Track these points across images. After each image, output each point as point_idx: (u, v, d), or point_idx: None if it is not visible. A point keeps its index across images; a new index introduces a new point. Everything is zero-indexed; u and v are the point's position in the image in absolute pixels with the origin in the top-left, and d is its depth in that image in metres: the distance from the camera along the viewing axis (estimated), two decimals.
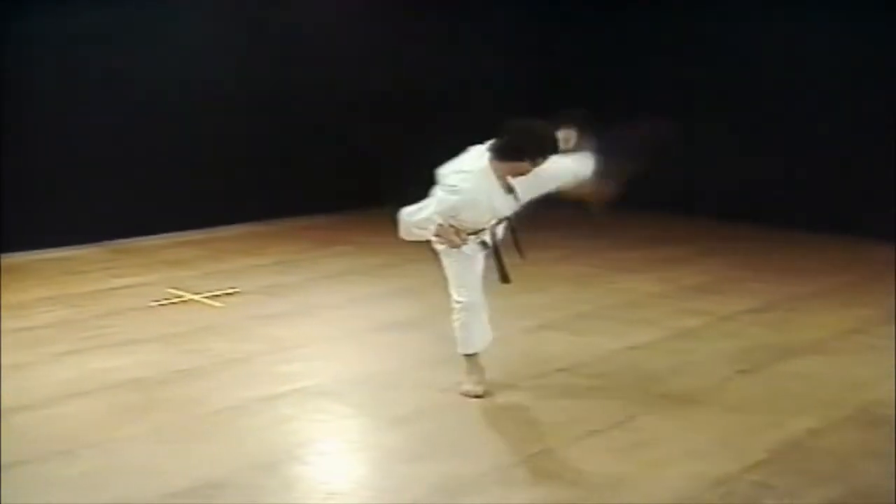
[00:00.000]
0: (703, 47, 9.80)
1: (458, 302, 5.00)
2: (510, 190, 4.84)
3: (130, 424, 4.72)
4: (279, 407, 4.95)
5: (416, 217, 4.75)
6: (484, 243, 4.95)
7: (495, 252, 4.98)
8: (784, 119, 9.45)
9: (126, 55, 8.55)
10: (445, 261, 4.98)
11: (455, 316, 5.03)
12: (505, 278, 4.99)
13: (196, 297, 6.98)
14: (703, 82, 9.86)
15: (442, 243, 4.82)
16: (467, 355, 5.10)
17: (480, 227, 4.87)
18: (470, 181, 4.69)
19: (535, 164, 4.68)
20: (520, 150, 4.66)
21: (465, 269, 4.95)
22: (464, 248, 4.82)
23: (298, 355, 5.77)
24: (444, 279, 5.05)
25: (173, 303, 6.88)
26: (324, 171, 9.91)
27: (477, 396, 5.03)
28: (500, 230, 5.03)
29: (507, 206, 4.91)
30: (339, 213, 9.94)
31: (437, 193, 4.74)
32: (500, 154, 4.70)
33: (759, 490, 4.01)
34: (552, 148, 4.75)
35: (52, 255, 7.98)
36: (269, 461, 4.31)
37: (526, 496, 3.98)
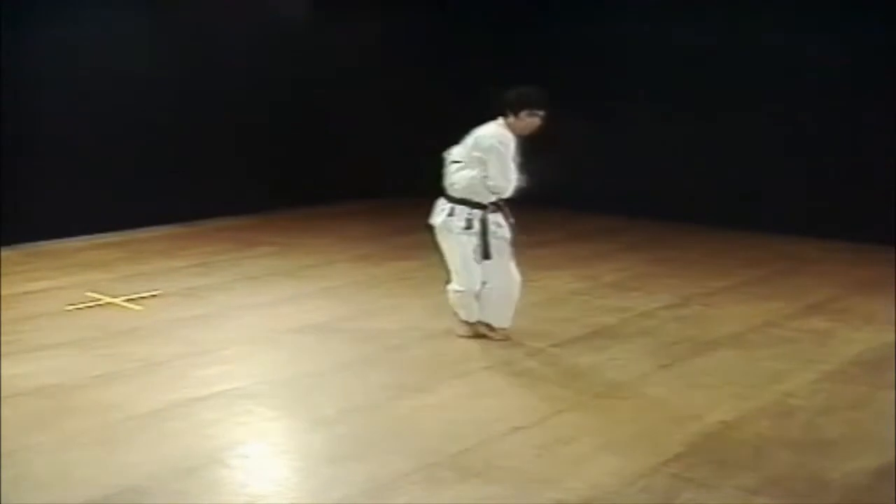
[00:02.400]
0: (591, 45, 9.97)
1: (457, 291, 5.84)
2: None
3: (45, 432, 4.62)
4: (201, 411, 4.90)
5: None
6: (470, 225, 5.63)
7: (483, 233, 5.66)
8: (694, 117, 9.62)
9: (39, 51, 8.37)
10: (448, 252, 5.77)
11: (451, 297, 5.90)
12: (486, 255, 5.71)
13: (115, 301, 6.86)
14: (618, 77, 10.02)
15: None
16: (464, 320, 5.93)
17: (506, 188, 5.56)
18: (501, 137, 5.46)
19: (540, 116, 5.39)
20: (527, 103, 5.38)
21: (465, 261, 5.72)
22: (464, 241, 5.63)
23: (220, 358, 5.71)
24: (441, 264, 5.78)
25: (91, 306, 6.76)
26: (244, 172, 9.84)
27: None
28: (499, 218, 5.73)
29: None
30: (259, 213, 9.87)
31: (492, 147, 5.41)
32: (514, 109, 5.38)
33: (676, 482, 4.10)
34: (546, 98, 5.43)
35: None
36: (190, 465, 4.27)
37: (450, 495, 4.01)
